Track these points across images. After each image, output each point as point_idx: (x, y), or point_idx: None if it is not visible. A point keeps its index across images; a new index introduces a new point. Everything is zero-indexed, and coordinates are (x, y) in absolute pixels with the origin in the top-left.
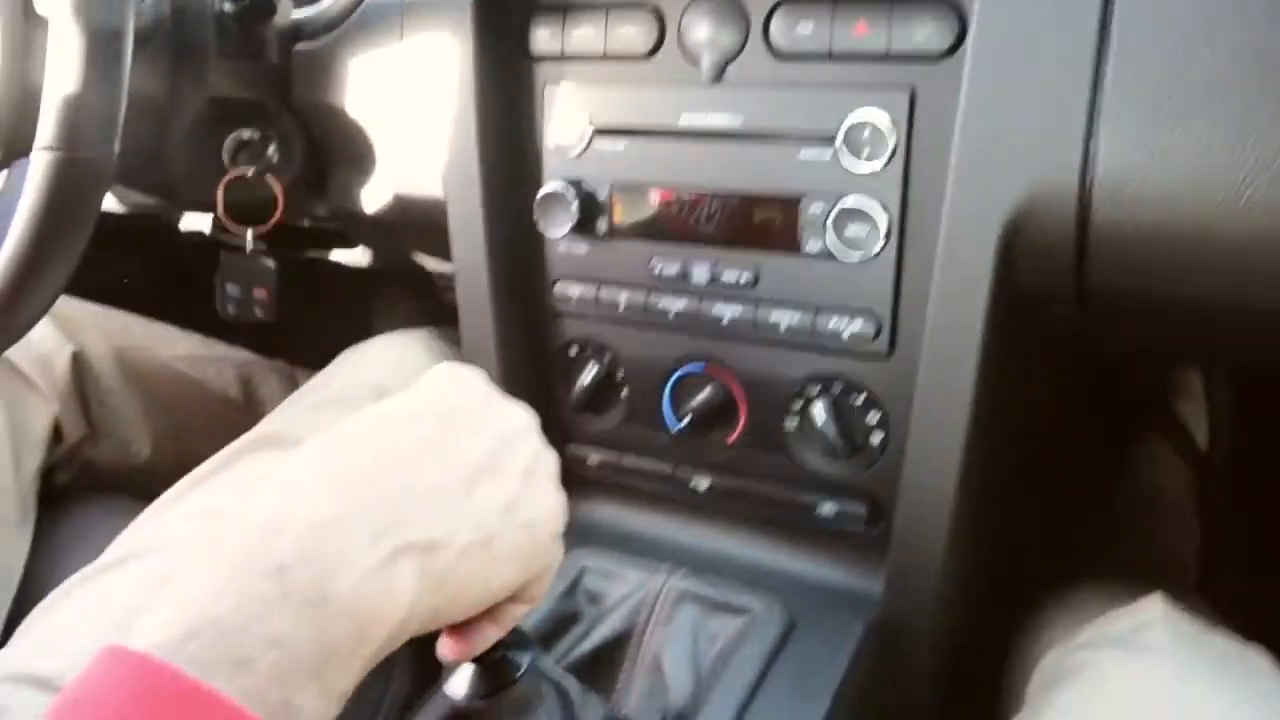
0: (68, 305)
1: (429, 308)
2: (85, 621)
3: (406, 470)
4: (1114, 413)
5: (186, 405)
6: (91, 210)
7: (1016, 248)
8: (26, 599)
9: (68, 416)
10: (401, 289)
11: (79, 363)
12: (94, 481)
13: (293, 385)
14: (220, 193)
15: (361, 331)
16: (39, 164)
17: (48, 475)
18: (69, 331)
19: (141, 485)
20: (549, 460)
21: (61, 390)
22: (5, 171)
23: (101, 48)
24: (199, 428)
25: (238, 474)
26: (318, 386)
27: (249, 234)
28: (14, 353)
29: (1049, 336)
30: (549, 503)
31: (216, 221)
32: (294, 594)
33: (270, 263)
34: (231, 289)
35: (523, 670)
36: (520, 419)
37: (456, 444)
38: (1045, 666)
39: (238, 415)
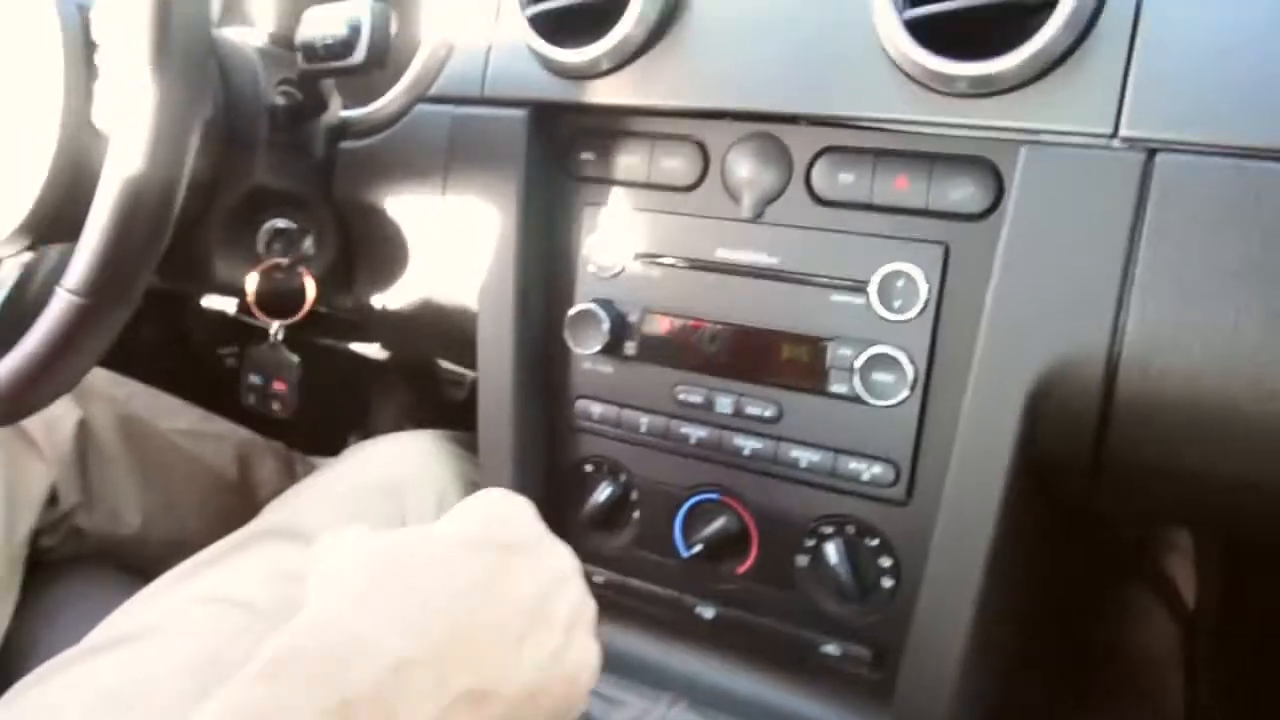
0: None
1: (431, 403)
2: (72, 705)
3: (469, 608)
4: (1103, 564)
5: (182, 480)
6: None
7: (1040, 412)
8: (6, 666)
9: (65, 482)
10: (406, 383)
11: (84, 429)
12: (79, 549)
13: (289, 468)
14: (253, 280)
15: (360, 419)
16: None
17: (34, 540)
18: (77, 395)
19: (127, 556)
20: (590, 610)
21: (63, 455)
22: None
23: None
24: (192, 503)
25: (249, 562)
26: (327, 480)
27: (276, 325)
28: None
29: (1058, 495)
30: (588, 657)
31: (242, 304)
32: None
33: (294, 358)
34: (254, 379)
35: None
36: (567, 563)
37: (511, 584)
38: None
39: (231, 494)
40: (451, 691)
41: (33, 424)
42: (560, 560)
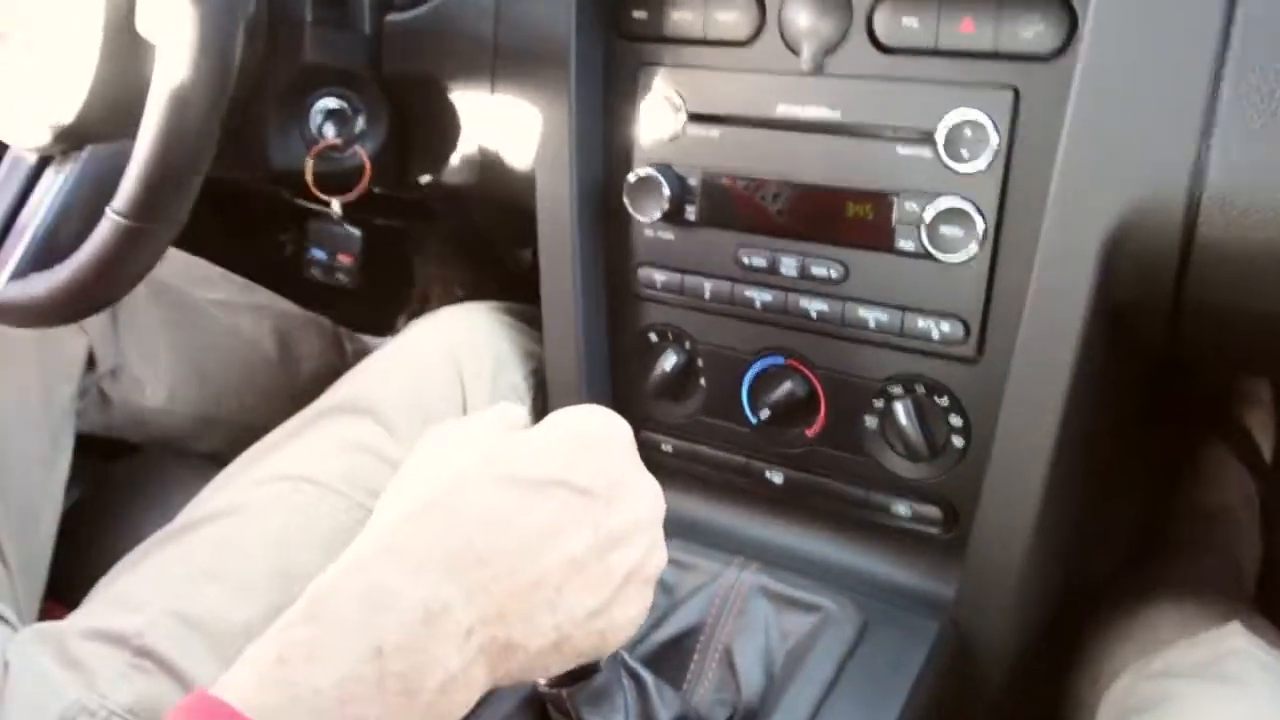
0: None
1: (488, 279)
2: (161, 583)
3: (513, 555)
4: (1180, 417)
5: (215, 352)
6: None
7: (1117, 258)
8: (74, 548)
9: (102, 346)
10: (461, 260)
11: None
12: (108, 421)
13: (336, 344)
14: (310, 162)
15: (412, 297)
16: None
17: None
18: None
19: (155, 428)
20: (655, 564)
21: (99, 320)
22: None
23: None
24: (226, 377)
25: (318, 439)
26: (388, 354)
27: (336, 203)
28: None
29: (1134, 344)
30: (633, 613)
31: (299, 187)
32: (389, 683)
33: (356, 231)
34: (318, 254)
35: (603, 660)
36: (645, 509)
37: (575, 530)
38: (1119, 693)
39: (270, 368)
40: (475, 642)
41: None
42: (638, 507)
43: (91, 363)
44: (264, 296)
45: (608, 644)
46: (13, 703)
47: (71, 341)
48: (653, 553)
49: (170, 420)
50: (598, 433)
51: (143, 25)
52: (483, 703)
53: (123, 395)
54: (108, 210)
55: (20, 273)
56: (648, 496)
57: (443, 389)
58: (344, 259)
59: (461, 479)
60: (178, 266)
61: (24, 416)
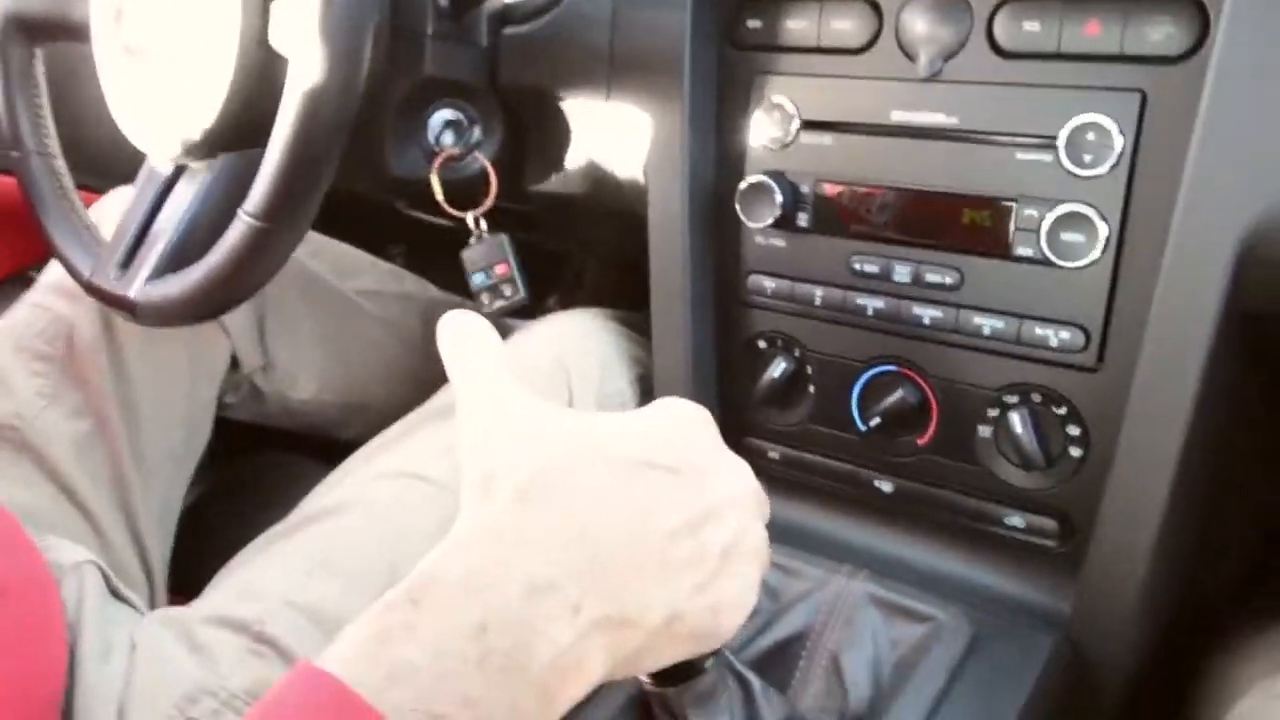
0: None
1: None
2: (281, 573)
3: (615, 533)
4: None
5: (363, 344)
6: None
7: (1249, 264)
8: (197, 537)
9: (245, 349)
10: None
11: (264, 295)
12: (259, 411)
13: None
14: (435, 173)
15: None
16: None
17: (224, 418)
18: None
19: (305, 418)
20: (753, 540)
21: (244, 323)
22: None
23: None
24: (373, 368)
25: (426, 439)
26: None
27: (470, 216)
28: None
29: (1261, 351)
30: (740, 587)
31: (412, 199)
32: (493, 659)
33: (501, 236)
34: (480, 279)
35: (710, 661)
36: (739, 486)
37: (670, 506)
38: (1244, 712)
39: (415, 357)
40: (587, 618)
41: None
42: (731, 484)
43: (235, 363)
44: (411, 284)
45: (721, 624)
46: (139, 682)
47: (216, 345)
48: (747, 529)
49: (320, 410)
50: (679, 418)
51: (275, 39)
52: (589, 700)
53: (275, 389)
54: (239, 212)
55: (156, 275)
56: (735, 474)
57: (550, 393)
58: (501, 270)
59: (554, 462)
60: (329, 259)
61: (169, 415)
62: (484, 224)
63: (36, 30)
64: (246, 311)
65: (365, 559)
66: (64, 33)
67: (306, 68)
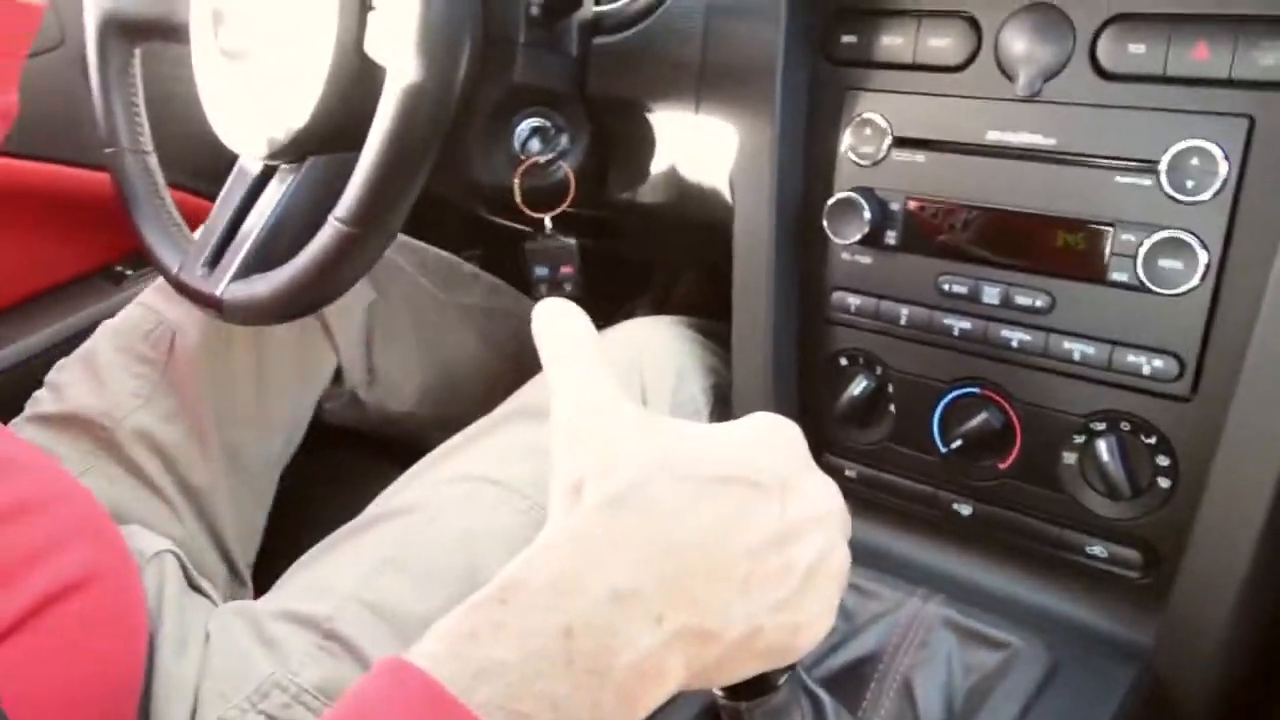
0: None
1: (672, 293)
2: (350, 571)
3: (700, 546)
4: None
5: (465, 359)
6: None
7: None
8: (275, 533)
9: (351, 363)
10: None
11: (374, 311)
12: (359, 418)
13: None
14: (518, 179)
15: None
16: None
17: (317, 417)
18: (373, 273)
19: (401, 429)
20: (838, 560)
21: (351, 338)
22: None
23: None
24: (473, 383)
25: (500, 441)
26: None
27: (547, 219)
28: None
29: None
30: (820, 609)
31: (495, 203)
32: (578, 661)
33: (571, 241)
34: (540, 271)
35: (784, 677)
36: (826, 505)
37: (756, 521)
38: None
39: (509, 371)
40: (669, 628)
41: (328, 308)
42: (816, 501)
43: (338, 376)
44: (510, 299)
45: (799, 641)
46: (213, 674)
47: (324, 360)
48: (832, 550)
49: (417, 421)
50: (771, 432)
51: (371, 48)
52: (663, 710)
53: (377, 400)
54: (330, 217)
55: (242, 274)
56: (822, 493)
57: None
58: (566, 270)
59: (643, 475)
60: (438, 267)
61: (269, 424)
62: (548, 225)
63: (136, 30)
64: (357, 327)
65: (435, 558)
66: (163, 33)
67: (403, 77)
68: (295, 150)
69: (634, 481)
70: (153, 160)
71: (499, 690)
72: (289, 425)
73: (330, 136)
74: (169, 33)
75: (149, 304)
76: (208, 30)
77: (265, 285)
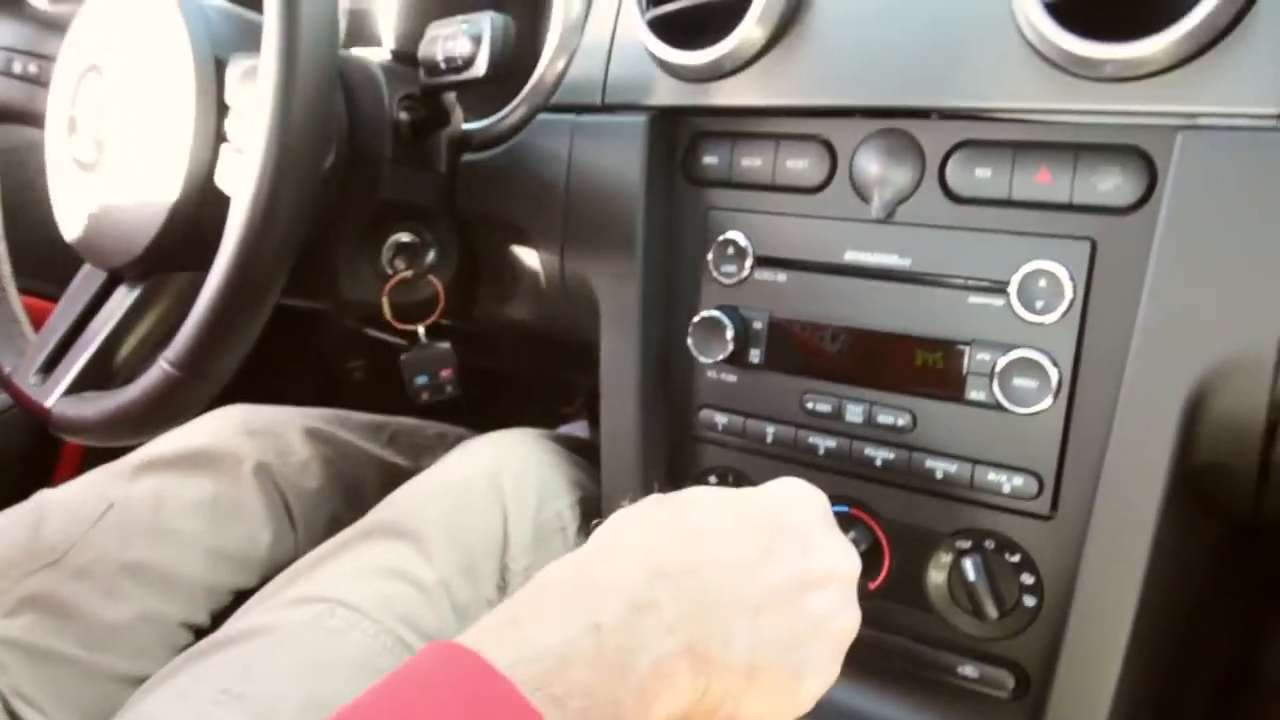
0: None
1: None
2: (186, 702)
3: (723, 569)
4: (1260, 587)
5: (366, 479)
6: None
7: (1201, 417)
8: None
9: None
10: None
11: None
12: None
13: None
14: (386, 295)
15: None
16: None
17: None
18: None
19: None
20: (849, 618)
21: (314, 529)
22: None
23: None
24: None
25: (353, 561)
26: (432, 477)
27: (421, 329)
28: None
29: (1214, 507)
30: (824, 660)
31: (371, 319)
32: (607, 654)
33: (446, 345)
34: (421, 380)
35: None
36: (845, 565)
37: (777, 562)
38: None
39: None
40: (677, 639)
41: (290, 496)
42: (835, 562)
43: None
44: (394, 424)
45: (801, 691)
46: None
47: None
48: (846, 608)
49: None
50: (799, 494)
51: (221, 178)
52: None
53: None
54: (160, 359)
55: (75, 388)
56: (845, 555)
57: (484, 515)
58: (446, 373)
59: (675, 503)
60: (406, 439)
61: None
62: (422, 335)
63: None
64: (322, 518)
65: (275, 688)
66: (21, 117)
67: (246, 217)
68: (140, 266)
69: (661, 506)
70: (0, 248)
71: (536, 672)
72: (216, 595)
73: (176, 256)
74: (28, 117)
75: (95, 481)
76: (62, 136)
77: (93, 410)
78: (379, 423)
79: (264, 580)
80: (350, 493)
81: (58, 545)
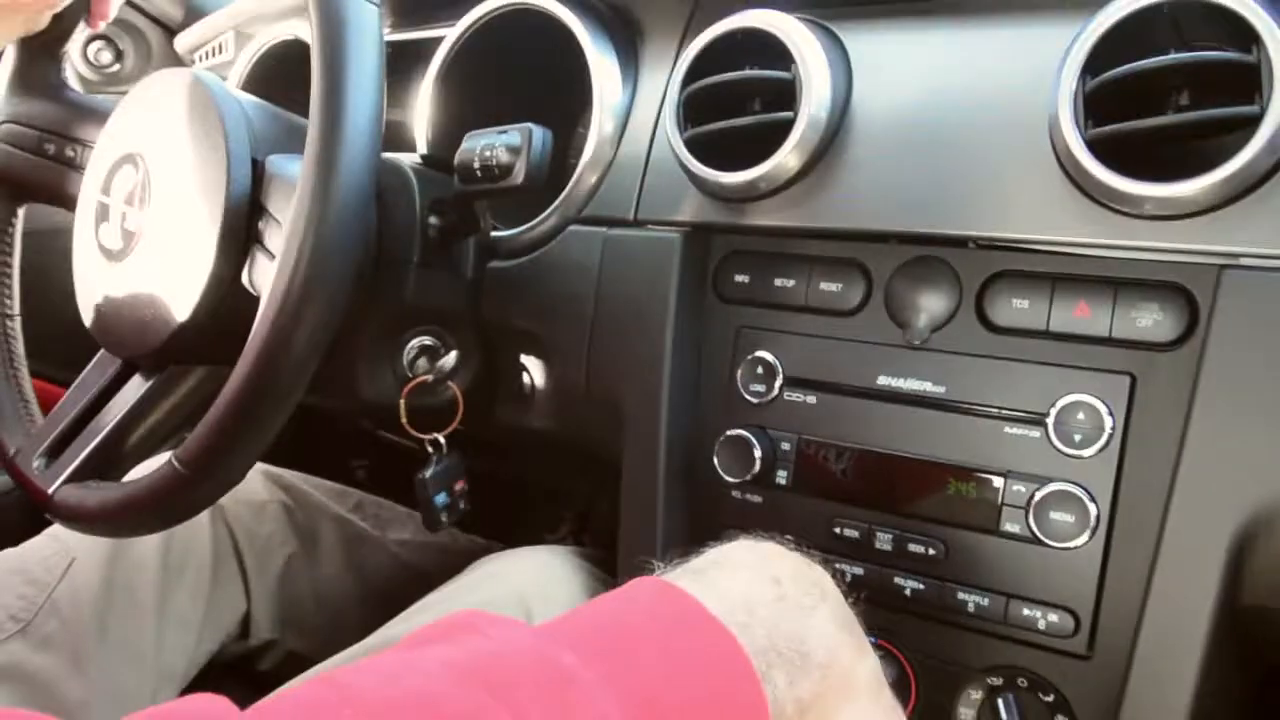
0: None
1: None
2: None
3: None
4: None
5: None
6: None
7: (1247, 559)
8: None
9: (261, 613)
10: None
11: (292, 561)
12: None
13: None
14: (404, 398)
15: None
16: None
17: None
18: (295, 523)
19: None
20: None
21: (269, 587)
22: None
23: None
24: (355, 606)
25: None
26: (456, 593)
27: (441, 437)
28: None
29: (1257, 649)
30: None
31: (385, 421)
32: (789, 599)
33: (457, 455)
34: (440, 500)
35: None
36: (841, 620)
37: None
38: None
39: (405, 590)
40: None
41: (248, 557)
42: (832, 610)
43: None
44: (446, 535)
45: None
46: None
47: (234, 606)
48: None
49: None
50: (802, 558)
51: (250, 279)
52: None
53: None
54: (170, 456)
55: (79, 476)
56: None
57: None
58: (459, 486)
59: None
60: (372, 511)
61: (163, 663)
62: (444, 445)
63: (22, 188)
64: (274, 576)
65: None
66: (50, 197)
67: (274, 321)
68: (158, 357)
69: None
70: (15, 325)
71: (725, 609)
72: (183, 669)
73: (196, 350)
74: (57, 198)
75: (55, 534)
76: (91, 222)
77: (96, 500)
78: (346, 490)
79: (224, 643)
80: (306, 543)
81: (19, 613)
